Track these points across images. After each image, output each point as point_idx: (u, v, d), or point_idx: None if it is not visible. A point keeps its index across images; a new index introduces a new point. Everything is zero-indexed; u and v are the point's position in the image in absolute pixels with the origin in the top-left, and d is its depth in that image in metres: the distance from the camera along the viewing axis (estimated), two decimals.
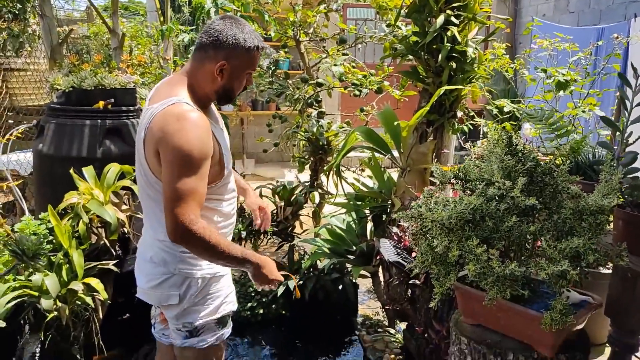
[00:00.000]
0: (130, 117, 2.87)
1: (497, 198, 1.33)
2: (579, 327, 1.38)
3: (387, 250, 2.18)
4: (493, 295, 1.28)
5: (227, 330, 1.80)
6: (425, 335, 2.23)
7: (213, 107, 1.81)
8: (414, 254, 2.27)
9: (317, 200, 3.29)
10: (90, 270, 2.37)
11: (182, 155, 1.48)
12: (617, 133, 1.51)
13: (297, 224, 3.16)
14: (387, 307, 2.59)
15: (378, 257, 2.43)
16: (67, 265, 2.32)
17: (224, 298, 1.77)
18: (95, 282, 2.25)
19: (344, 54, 3.29)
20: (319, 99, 2.95)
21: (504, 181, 1.31)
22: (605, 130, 2.42)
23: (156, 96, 1.62)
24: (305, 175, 3.37)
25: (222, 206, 1.74)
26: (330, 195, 3.12)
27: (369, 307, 3.27)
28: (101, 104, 2.75)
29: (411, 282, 2.13)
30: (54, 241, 2.43)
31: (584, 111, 2.36)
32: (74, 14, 6.01)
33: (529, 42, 3.25)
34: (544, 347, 1.31)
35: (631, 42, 5.09)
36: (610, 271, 1.70)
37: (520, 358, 1.33)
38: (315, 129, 2.99)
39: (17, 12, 5.95)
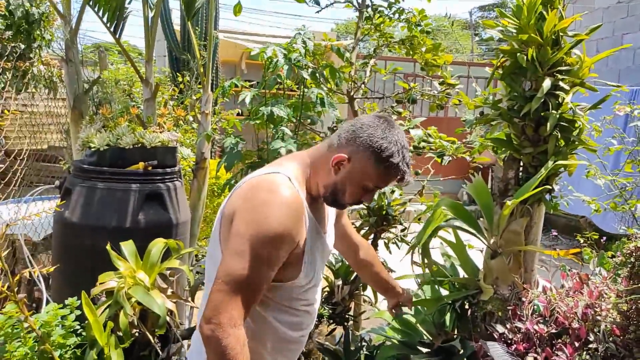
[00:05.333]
0: (172, 180, 2.50)
1: None
2: None
3: (503, 359, 1.79)
4: None
5: None
6: None
7: (329, 209, 1.49)
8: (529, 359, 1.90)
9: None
10: None
11: (257, 233, 1.17)
12: None
13: (352, 305, 2.77)
14: None
15: None
16: None
17: None
18: None
19: (398, 113, 3.00)
20: None
21: None
22: None
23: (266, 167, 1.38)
24: None
25: (280, 321, 1.37)
26: (392, 272, 2.74)
27: None
28: (142, 165, 2.38)
29: None
30: (83, 333, 2.01)
31: None
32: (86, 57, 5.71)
33: None
34: None
35: None
36: None
37: None
38: (376, 197, 2.64)
39: (21, 51, 5.63)
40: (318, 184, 1.36)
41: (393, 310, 1.88)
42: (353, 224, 2.98)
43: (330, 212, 1.52)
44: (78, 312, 2.03)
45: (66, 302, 2.05)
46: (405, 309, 1.89)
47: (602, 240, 2.45)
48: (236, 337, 1.15)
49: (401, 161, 1.30)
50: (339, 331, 2.89)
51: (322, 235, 1.43)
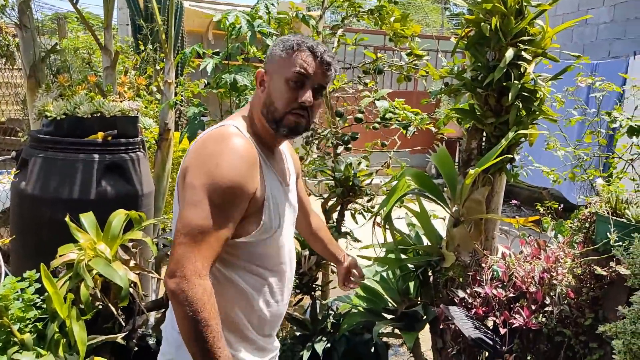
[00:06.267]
0: (133, 151, 2.44)
1: None
2: None
3: (462, 322, 1.84)
4: None
5: None
6: None
7: (287, 155, 1.49)
8: (489, 323, 1.96)
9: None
10: (92, 345, 1.92)
11: (209, 182, 1.16)
12: None
13: (320, 275, 2.79)
14: None
15: (441, 326, 2.09)
16: (64, 339, 1.85)
17: None
18: None
19: (364, 84, 2.99)
20: (357, 135, 2.62)
21: None
22: None
23: None
24: None
25: (247, 280, 1.33)
26: (358, 242, 2.77)
27: None
28: (100, 135, 2.31)
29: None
30: (44, 306, 1.97)
31: None
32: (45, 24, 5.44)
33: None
34: None
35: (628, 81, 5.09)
36: None
37: None
38: (343, 167, 2.65)
39: None
40: (262, 124, 1.33)
41: (344, 284, 1.84)
42: (321, 195, 2.99)
43: (290, 167, 1.51)
44: (38, 285, 1.99)
45: (25, 275, 2.00)
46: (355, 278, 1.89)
47: (559, 208, 2.52)
48: (203, 287, 1.12)
49: (303, 39, 1.31)
50: (307, 301, 2.92)
51: (284, 187, 1.41)
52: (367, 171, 2.66)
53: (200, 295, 1.11)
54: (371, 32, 8.35)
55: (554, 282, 1.78)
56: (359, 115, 2.61)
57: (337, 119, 2.62)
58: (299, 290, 2.68)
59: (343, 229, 2.79)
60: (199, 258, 1.13)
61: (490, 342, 1.77)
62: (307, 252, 2.66)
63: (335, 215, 2.90)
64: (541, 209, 2.73)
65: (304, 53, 1.29)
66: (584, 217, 1.69)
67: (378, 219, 2.33)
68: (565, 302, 1.74)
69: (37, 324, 1.96)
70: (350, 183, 2.64)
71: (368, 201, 2.76)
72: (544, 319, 1.76)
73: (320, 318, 2.65)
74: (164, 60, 2.91)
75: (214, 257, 1.17)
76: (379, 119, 2.79)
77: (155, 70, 4.09)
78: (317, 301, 2.71)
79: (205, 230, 1.14)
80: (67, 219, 2.01)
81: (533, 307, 1.76)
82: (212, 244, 1.16)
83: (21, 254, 2.37)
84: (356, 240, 2.76)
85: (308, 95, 1.28)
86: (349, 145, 2.77)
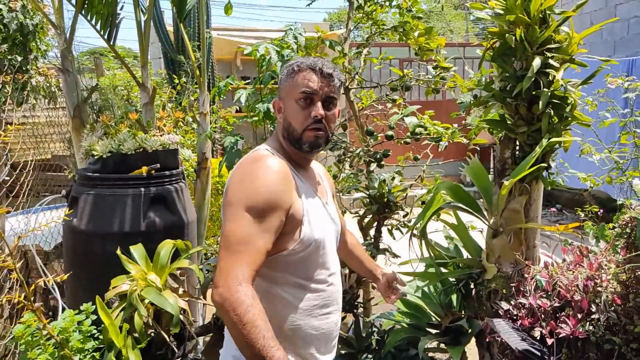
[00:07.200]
0: (176, 182, 2.55)
1: None
2: None
3: (509, 334, 1.84)
4: None
5: None
6: None
7: (321, 175, 1.59)
8: (535, 334, 1.95)
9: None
10: None
11: (246, 197, 1.24)
12: None
13: (361, 292, 2.82)
14: None
15: (487, 339, 2.08)
16: None
17: None
18: None
19: (392, 100, 3.03)
20: (389, 153, 2.66)
21: None
22: None
23: None
24: None
25: (295, 295, 1.38)
26: (397, 258, 2.79)
27: None
28: (144, 169, 2.42)
29: None
30: (101, 337, 2.06)
31: None
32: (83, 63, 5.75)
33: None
34: None
35: None
36: None
37: None
38: (377, 184, 2.68)
39: (18, 63, 5.66)
40: (288, 145, 1.44)
41: (391, 297, 1.88)
42: (356, 212, 3.03)
43: (325, 184, 1.59)
44: (94, 317, 2.09)
45: (81, 307, 2.11)
46: (402, 288, 1.93)
47: (599, 212, 2.48)
48: (244, 293, 1.14)
49: (302, 60, 1.43)
50: (350, 318, 2.95)
51: (321, 201, 1.49)
52: (401, 187, 2.69)
53: (243, 299, 1.13)
54: (396, 45, 8.40)
55: (599, 289, 1.76)
56: (390, 133, 2.65)
57: (368, 137, 2.67)
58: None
59: (381, 245, 2.81)
60: (238, 267, 1.17)
61: (538, 354, 1.76)
62: (347, 270, 2.70)
63: (372, 232, 2.94)
64: (582, 214, 2.69)
65: (304, 72, 1.40)
66: (624, 222, 1.68)
67: (415, 233, 2.35)
68: (612, 309, 1.72)
69: (95, 354, 2.05)
70: (385, 199, 2.67)
71: (404, 216, 2.79)
72: (591, 327, 1.74)
73: (364, 335, 2.67)
74: (198, 91, 3.03)
75: (254, 266, 1.20)
76: (409, 134, 2.83)
77: (189, 101, 4.26)
78: (360, 318, 2.73)
79: (243, 241, 1.20)
80: (118, 251, 2.11)
81: (579, 316, 1.75)
82: (252, 254, 1.20)
83: (75, 287, 2.49)
84: (395, 255, 2.78)
85: (319, 109, 1.39)
86: (383, 162, 2.81)
